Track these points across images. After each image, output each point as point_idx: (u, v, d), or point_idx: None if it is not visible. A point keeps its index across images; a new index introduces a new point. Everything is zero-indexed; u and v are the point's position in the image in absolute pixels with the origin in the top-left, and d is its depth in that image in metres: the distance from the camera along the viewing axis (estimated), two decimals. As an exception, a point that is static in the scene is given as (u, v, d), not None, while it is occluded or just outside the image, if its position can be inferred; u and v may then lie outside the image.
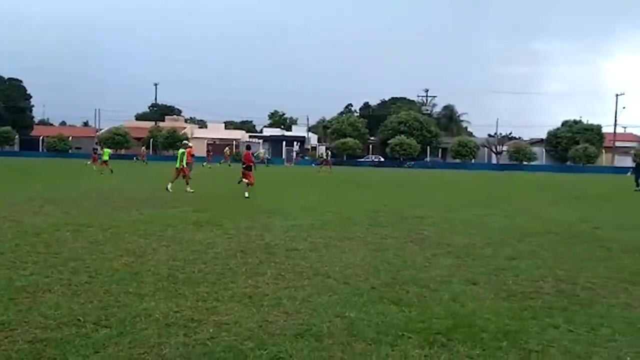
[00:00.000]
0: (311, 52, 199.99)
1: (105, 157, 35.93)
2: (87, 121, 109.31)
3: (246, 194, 18.42)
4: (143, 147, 65.47)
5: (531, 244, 10.20)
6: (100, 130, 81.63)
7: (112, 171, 32.96)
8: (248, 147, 22.36)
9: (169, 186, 20.02)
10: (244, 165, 20.13)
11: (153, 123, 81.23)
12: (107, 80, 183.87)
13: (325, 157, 50.66)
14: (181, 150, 22.09)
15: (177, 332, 4.93)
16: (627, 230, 12.40)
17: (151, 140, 73.69)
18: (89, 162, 42.10)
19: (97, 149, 41.88)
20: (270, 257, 8.29)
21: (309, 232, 10.82)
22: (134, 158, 60.38)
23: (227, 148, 58.74)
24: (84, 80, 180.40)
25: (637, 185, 30.21)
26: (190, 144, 24.29)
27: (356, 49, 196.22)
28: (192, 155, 27.21)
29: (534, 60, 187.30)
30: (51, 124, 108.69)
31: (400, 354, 4.55)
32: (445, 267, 8.02)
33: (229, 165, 48.00)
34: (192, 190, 20.15)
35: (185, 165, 21.52)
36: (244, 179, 19.78)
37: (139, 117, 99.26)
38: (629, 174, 34.07)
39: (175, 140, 73.19)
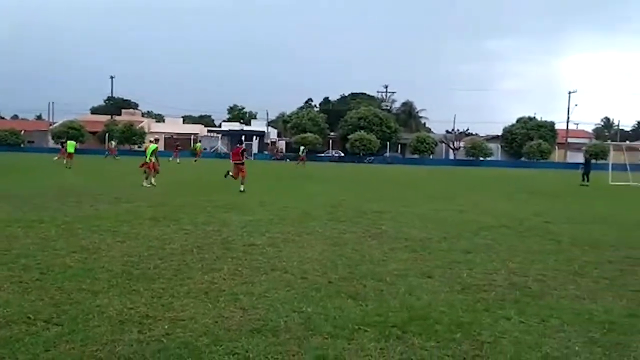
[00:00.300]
0: (271, 47, 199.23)
1: (71, 150, 35.39)
2: (41, 114, 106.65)
3: (242, 188, 18.80)
4: (112, 142, 63.90)
5: (486, 237, 10.40)
6: (54, 123, 79.59)
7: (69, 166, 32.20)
8: (240, 142, 22.52)
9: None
10: (236, 161, 20.10)
11: (109, 117, 79.60)
12: (61, 73, 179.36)
13: (300, 154, 51.03)
14: (154, 145, 22.09)
15: (131, 329, 4.85)
16: (576, 224, 12.76)
17: (107, 134, 72.16)
18: (56, 157, 41.24)
19: (64, 143, 41.02)
20: (227, 253, 8.24)
21: (267, 227, 10.78)
22: (105, 154, 58.64)
23: (177, 143, 58.42)
24: (37, 72, 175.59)
25: (584, 180, 31.17)
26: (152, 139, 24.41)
27: (316, 44, 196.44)
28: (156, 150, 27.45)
29: (491, 58, 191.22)
30: (2, 118, 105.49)
31: (357, 347, 4.58)
32: (402, 261, 8.10)
33: (178, 162, 47.08)
34: (148, 185, 20.12)
35: (154, 160, 21.23)
36: (231, 174, 20.04)
37: (95, 111, 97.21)
38: (580, 169, 35.08)
39: (132, 134, 71.95)
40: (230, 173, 20.18)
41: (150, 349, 4.41)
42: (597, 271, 7.71)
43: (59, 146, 42.07)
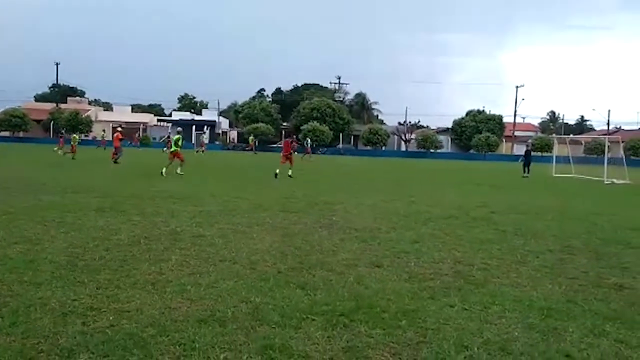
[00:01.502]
0: (222, 36, 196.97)
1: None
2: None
3: (290, 173, 22.69)
4: (103, 131, 61.63)
5: (433, 228, 10.60)
6: (-4, 111, 76.72)
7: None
8: (288, 136, 26.47)
9: (289, 172, 22.48)
10: (287, 152, 23.62)
11: (54, 105, 77.15)
12: (2, 58, 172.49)
13: (306, 146, 50.85)
14: (178, 136, 23.40)
15: (75, 320, 4.76)
16: (520, 215, 13.14)
17: (52, 122, 69.97)
18: (56, 148, 40.08)
19: (63, 133, 39.78)
20: (175, 244, 8.15)
21: (216, 218, 10.71)
22: (97, 145, 56.73)
23: (101, 131, 57.31)
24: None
25: (525, 172, 32.03)
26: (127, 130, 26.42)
27: (268, 33, 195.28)
28: (120, 140, 29.76)
29: (441, 51, 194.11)
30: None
31: (304, 336, 4.62)
32: (351, 251, 8.19)
33: (104, 149, 46.39)
34: (182, 173, 22.06)
35: (179, 150, 22.72)
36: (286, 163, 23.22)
37: (39, 99, 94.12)
38: (519, 161, 36.06)
39: (78, 123, 69.93)
40: (277, 170, 22.56)
41: (94, 340, 4.34)
42: (538, 260, 7.98)
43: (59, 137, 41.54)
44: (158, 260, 7.08)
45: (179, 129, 30.45)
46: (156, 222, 9.99)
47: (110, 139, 44.16)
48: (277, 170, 22.48)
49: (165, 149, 52.02)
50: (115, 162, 28.52)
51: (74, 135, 38.12)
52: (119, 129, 33.31)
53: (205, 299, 5.53)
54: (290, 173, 22.89)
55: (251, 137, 63.62)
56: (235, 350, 4.26)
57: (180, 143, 22.91)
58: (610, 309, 5.68)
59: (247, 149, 57.78)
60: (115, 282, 6.00)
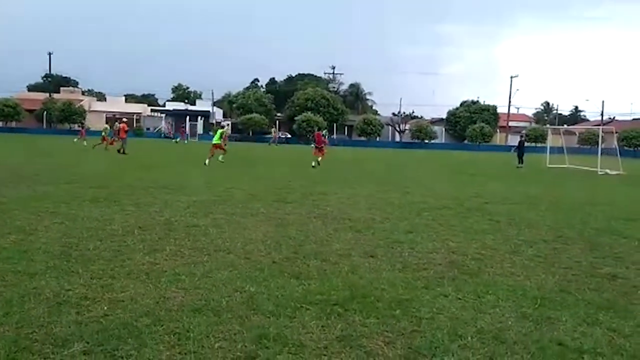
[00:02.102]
0: (216, 25, 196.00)
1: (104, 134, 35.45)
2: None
3: (316, 164, 24.09)
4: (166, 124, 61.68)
5: (427, 218, 10.62)
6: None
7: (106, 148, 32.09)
8: (319, 129, 29.68)
9: (313, 163, 24.04)
10: (319, 145, 25.71)
11: (47, 95, 76.67)
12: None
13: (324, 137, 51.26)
14: (221, 130, 25.90)
15: (69, 310, 4.75)
16: (514, 205, 13.18)
17: (45, 113, 69.56)
18: (76, 139, 39.99)
19: (83, 124, 39.42)
20: (169, 234, 8.14)
21: (211, 209, 10.69)
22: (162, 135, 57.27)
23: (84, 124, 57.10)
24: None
25: (519, 162, 32.09)
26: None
27: (263, 23, 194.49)
28: (126, 131, 30.79)
29: (436, 42, 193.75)
30: None
31: (298, 325, 4.63)
32: (345, 241, 8.20)
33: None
34: (224, 161, 24.61)
35: (224, 142, 25.78)
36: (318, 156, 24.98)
37: (32, 89, 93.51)
38: (512, 151, 36.11)
39: (71, 113, 69.59)
40: (313, 163, 24.23)
41: (89, 330, 4.33)
42: (532, 250, 8.01)
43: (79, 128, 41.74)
44: (152, 250, 7.07)
45: (224, 123, 32.55)
46: (150, 212, 9.97)
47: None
48: (313, 163, 24.32)
49: (179, 139, 52.32)
50: (123, 152, 29.04)
51: (105, 126, 38.05)
52: (125, 120, 33.90)
53: (200, 288, 5.53)
54: (314, 164, 24.22)
55: (274, 129, 64.43)
56: (230, 340, 4.26)
57: (223, 136, 25.38)
58: (604, 298, 5.71)
59: (271, 142, 59.72)
60: (109, 272, 5.99)
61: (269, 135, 69.35)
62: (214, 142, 25.23)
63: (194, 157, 28.77)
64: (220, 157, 25.04)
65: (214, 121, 76.96)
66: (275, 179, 18.03)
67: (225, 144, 27.41)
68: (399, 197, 14.01)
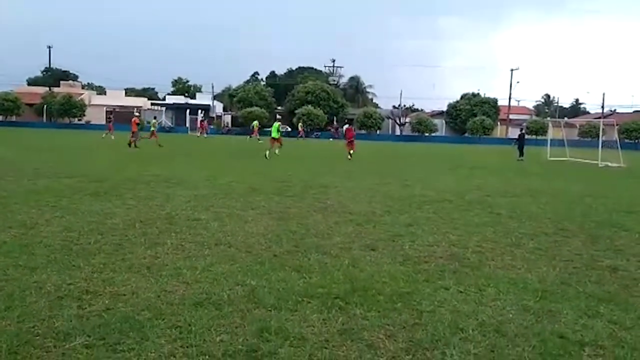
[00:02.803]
0: (216, 18, 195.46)
1: (153, 128, 36.22)
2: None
3: (349, 156, 25.92)
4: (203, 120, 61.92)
5: (428, 211, 10.62)
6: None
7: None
8: (349, 123, 30.42)
9: (266, 153, 24.85)
10: (350, 138, 27.54)
11: (47, 89, 76.55)
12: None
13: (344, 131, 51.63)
14: (277, 124, 27.32)
15: (71, 304, 4.76)
16: (515, 198, 13.18)
17: (45, 107, 69.44)
18: (105, 134, 40.31)
19: (111, 118, 39.12)
20: (170, 227, 8.14)
21: (211, 202, 10.70)
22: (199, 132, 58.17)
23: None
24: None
25: (520, 155, 32.04)
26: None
27: (263, 16, 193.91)
28: (138, 124, 31.11)
29: (436, 35, 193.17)
30: None
31: (300, 318, 4.64)
32: (346, 234, 8.20)
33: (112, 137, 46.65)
34: (279, 154, 26.04)
35: (280, 136, 27.13)
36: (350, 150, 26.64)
37: (32, 83, 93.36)
38: (513, 144, 36.03)
39: (71, 107, 69.47)
40: (349, 156, 26.06)
41: (90, 324, 4.34)
42: (533, 242, 8.01)
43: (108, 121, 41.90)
44: (153, 244, 7.07)
45: (279, 116, 33.22)
46: (151, 206, 9.97)
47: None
48: (349, 156, 26.12)
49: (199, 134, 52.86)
50: (135, 146, 29.42)
51: (153, 120, 38.32)
52: (137, 114, 34.87)
53: (201, 282, 5.53)
54: (349, 157, 26.12)
55: (300, 124, 64.91)
56: (231, 333, 4.27)
57: (280, 129, 27.05)
58: (604, 291, 5.72)
59: (299, 136, 61.46)
60: (110, 265, 6.00)
61: (268, 129, 69.28)
62: (272, 136, 27.09)
63: (192, 151, 28.72)
64: (276, 151, 26.60)
65: (214, 115, 77.00)
66: (274, 171, 18.01)
67: (136, 138, 29.89)
68: (399, 190, 14.00)
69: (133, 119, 31.64)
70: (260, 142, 44.32)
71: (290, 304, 4.97)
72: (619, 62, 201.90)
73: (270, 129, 28.45)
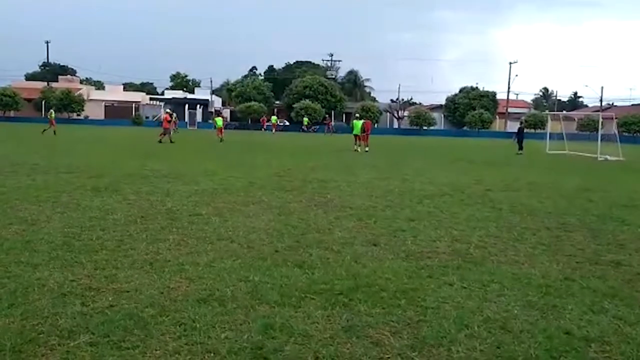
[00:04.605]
0: (213, 13, 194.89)
1: (219, 124, 36.82)
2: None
3: (366, 149, 27.96)
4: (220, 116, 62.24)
5: (429, 206, 10.59)
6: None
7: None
8: (361, 118, 31.79)
9: (358, 148, 28.42)
10: (365, 132, 28.87)
11: (45, 84, 76.26)
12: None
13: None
14: (359, 121, 29.48)
15: (74, 301, 4.74)
16: (516, 192, 13.17)
17: (43, 102, 69.21)
18: (174, 130, 39.19)
19: (172, 114, 38.12)
20: (172, 223, 8.12)
21: (212, 197, 10.67)
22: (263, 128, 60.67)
23: (51, 110, 56.90)
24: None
25: (519, 149, 32.00)
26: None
27: (260, 10, 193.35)
28: (169, 121, 32.35)
29: (434, 28, 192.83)
30: None
31: (303, 315, 4.62)
32: (347, 229, 8.18)
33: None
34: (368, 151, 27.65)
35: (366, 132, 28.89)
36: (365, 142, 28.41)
37: (30, 77, 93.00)
38: (513, 138, 35.98)
39: (70, 102, 69.22)
40: (366, 149, 27.96)
41: (94, 321, 4.32)
42: (535, 237, 8.00)
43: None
44: (155, 239, 7.05)
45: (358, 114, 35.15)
46: (152, 202, 9.94)
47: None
48: (360, 149, 28.24)
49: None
50: (170, 141, 30.11)
51: (218, 117, 38.47)
52: (168, 110, 35.55)
53: (204, 278, 5.52)
54: (366, 149, 28.05)
55: (305, 119, 65.67)
56: (236, 330, 4.25)
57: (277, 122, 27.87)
58: (608, 286, 5.71)
59: (309, 129, 63.51)
60: (113, 262, 5.98)
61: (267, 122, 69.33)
62: (354, 133, 29.51)
63: (189, 146, 28.65)
64: (365, 148, 28.23)
65: (212, 109, 76.82)
66: (273, 165, 17.98)
67: (167, 133, 31.16)
68: (399, 184, 13.98)
69: (164, 116, 32.96)
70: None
71: (293, 300, 4.96)
72: (617, 55, 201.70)
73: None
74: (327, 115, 67.49)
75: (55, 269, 5.65)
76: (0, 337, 3.96)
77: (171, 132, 31.83)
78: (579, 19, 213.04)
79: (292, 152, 26.90)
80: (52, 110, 41.91)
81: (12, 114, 68.58)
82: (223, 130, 36.24)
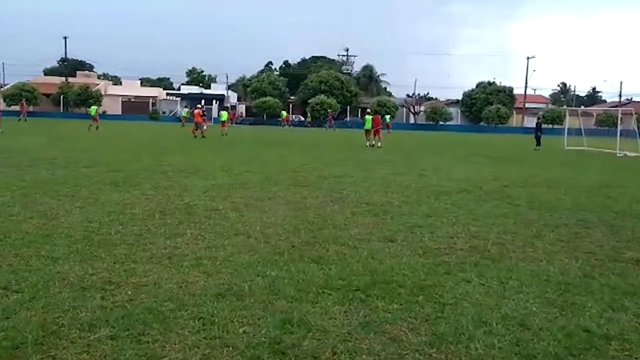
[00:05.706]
0: (231, 9, 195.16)
1: (223, 118, 38.72)
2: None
3: (379, 144, 28.45)
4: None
5: (446, 202, 10.55)
6: (5, 85, 76.61)
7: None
8: (375, 113, 33.67)
9: (378, 144, 28.55)
10: (377, 127, 29.44)
11: (63, 79, 76.93)
12: (12, 32, 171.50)
13: (388, 121, 53.85)
14: (371, 117, 30.07)
15: (94, 295, 4.79)
16: (534, 188, 13.05)
17: (62, 97, 69.82)
18: (228, 126, 40.24)
19: (204, 110, 37.75)
20: (190, 217, 8.17)
21: (229, 192, 10.72)
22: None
23: (22, 100, 57.57)
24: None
25: (537, 144, 31.70)
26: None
27: (276, 7, 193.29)
28: (202, 116, 33.45)
29: (451, 22, 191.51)
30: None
31: (321, 310, 4.63)
32: (364, 225, 8.17)
33: (25, 120, 48.30)
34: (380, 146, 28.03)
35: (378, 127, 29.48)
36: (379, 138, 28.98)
37: (48, 73, 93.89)
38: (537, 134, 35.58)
39: (87, 97, 69.77)
40: (379, 144, 28.42)
41: (114, 314, 4.36)
42: (554, 234, 7.93)
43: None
44: (173, 234, 7.10)
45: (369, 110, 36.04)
46: (170, 196, 10.01)
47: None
48: (373, 144, 28.66)
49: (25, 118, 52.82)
50: (202, 136, 31.38)
51: (223, 111, 39.98)
52: (199, 106, 38.08)
53: (222, 272, 5.54)
54: (380, 144, 28.54)
55: (388, 117, 66.04)
56: (254, 325, 4.27)
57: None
58: (628, 283, 5.64)
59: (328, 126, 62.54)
60: (131, 256, 6.03)
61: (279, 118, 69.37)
62: (365, 128, 29.86)
63: (205, 141, 28.74)
64: (378, 143, 28.73)
65: (228, 104, 77.08)
66: (289, 161, 18.02)
67: (199, 128, 32.26)
68: (415, 180, 13.93)
69: (197, 111, 33.98)
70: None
71: (311, 295, 4.97)
72: (636, 49, 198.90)
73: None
74: (329, 111, 67.12)
75: (75, 262, 5.71)
76: (22, 330, 4.02)
77: (204, 127, 32.69)
78: (598, 12, 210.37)
79: (306, 147, 26.89)
80: (94, 107, 42.43)
81: (31, 108, 69.26)
82: (226, 124, 37.08)
